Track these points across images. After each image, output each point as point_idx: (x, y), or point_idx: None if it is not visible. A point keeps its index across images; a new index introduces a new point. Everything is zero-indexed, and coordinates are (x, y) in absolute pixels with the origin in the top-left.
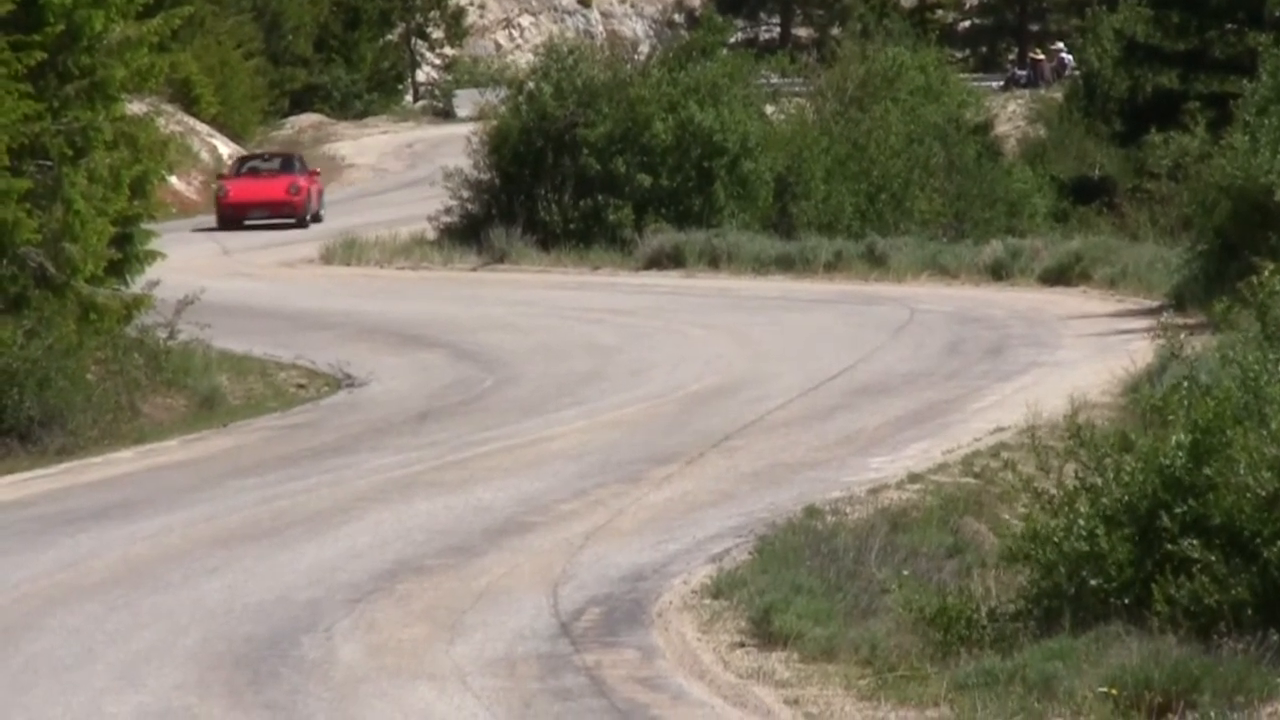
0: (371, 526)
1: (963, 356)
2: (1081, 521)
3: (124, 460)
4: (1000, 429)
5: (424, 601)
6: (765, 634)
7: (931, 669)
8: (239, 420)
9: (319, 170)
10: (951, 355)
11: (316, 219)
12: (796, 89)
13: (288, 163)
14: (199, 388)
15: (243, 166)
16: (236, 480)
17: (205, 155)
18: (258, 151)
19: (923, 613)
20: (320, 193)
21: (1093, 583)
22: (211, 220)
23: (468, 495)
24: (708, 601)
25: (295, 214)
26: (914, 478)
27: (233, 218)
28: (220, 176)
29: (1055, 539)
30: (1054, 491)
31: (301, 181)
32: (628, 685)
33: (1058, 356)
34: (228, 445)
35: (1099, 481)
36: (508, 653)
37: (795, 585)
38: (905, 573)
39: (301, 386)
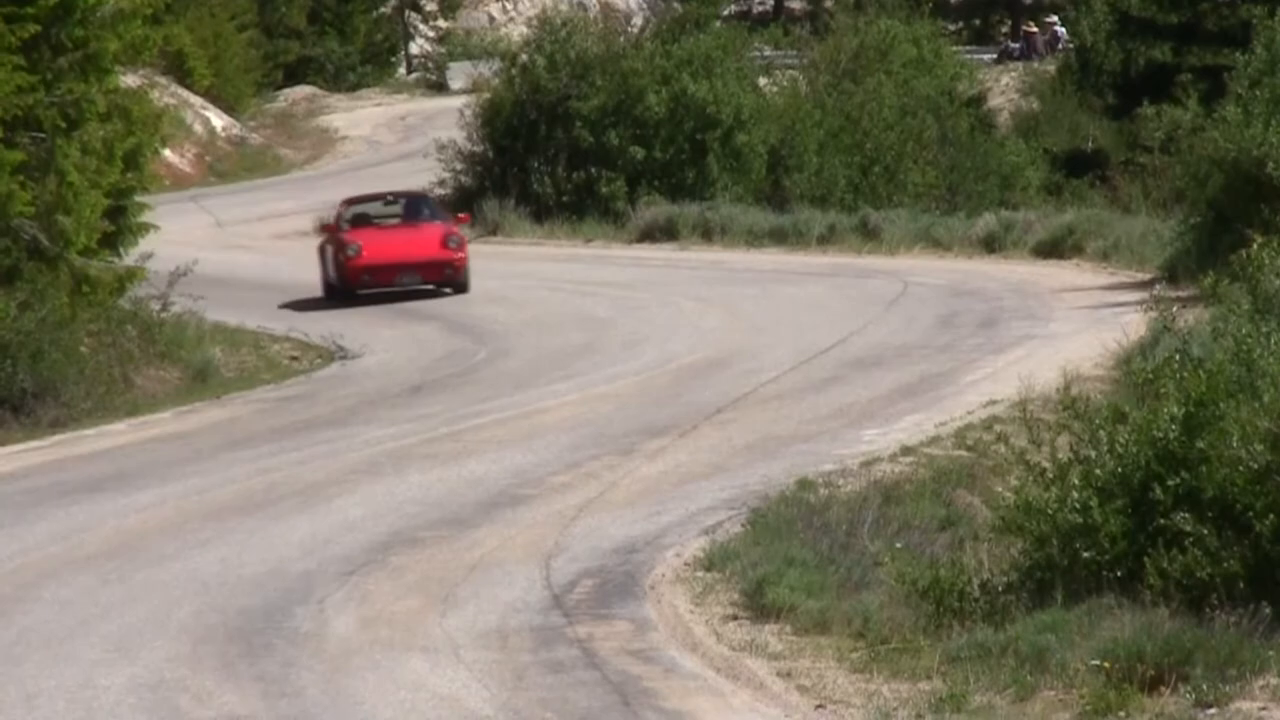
0: (364, 499)
1: (955, 329)
2: (1074, 494)
3: (117, 432)
4: (993, 402)
5: (417, 574)
6: (758, 606)
7: (924, 641)
8: (232, 392)
9: (463, 215)
10: (944, 328)
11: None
12: (790, 61)
13: (416, 205)
14: (192, 360)
15: (352, 211)
16: (230, 453)
17: (199, 128)
18: (370, 194)
19: (915, 585)
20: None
21: (1085, 555)
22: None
23: (461, 468)
24: (700, 574)
25: (457, 277)
26: (906, 450)
27: (370, 284)
28: (327, 229)
29: (1048, 511)
30: (1047, 464)
31: (455, 230)
32: (620, 657)
33: (1050, 329)
34: (221, 417)
35: (1092, 454)
36: (500, 625)
37: (788, 558)
38: (898, 545)
39: (295, 359)
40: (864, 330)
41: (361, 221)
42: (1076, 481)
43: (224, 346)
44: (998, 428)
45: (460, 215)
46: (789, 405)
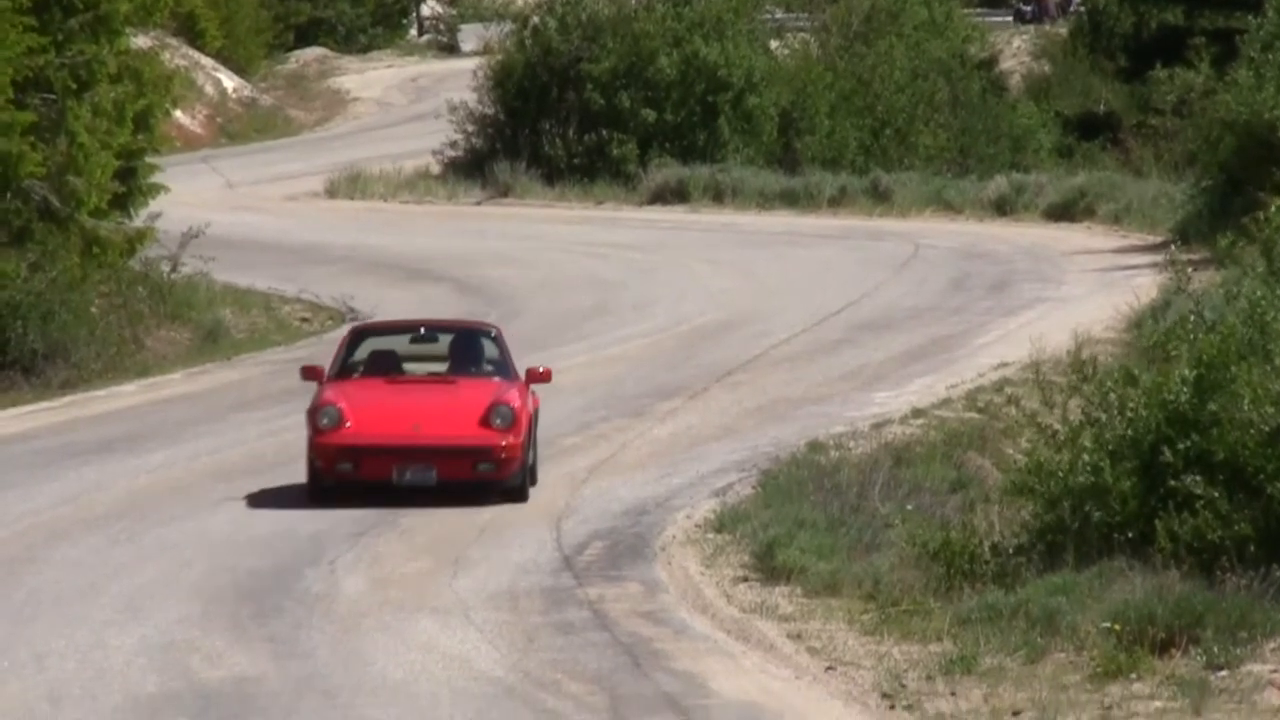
0: None
1: (967, 292)
2: (1085, 456)
3: (127, 393)
4: (1004, 364)
5: (427, 535)
6: (768, 568)
7: (934, 603)
8: (243, 354)
9: (543, 368)
10: (955, 291)
11: (531, 477)
12: (801, 24)
13: (468, 345)
14: (203, 321)
15: (360, 348)
16: (240, 414)
17: (209, 89)
18: (395, 323)
19: (926, 547)
20: (535, 418)
21: (1096, 517)
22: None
23: None
24: (711, 536)
25: (500, 475)
26: (917, 413)
27: (351, 477)
28: (310, 373)
29: (1059, 473)
30: (1058, 426)
31: (512, 397)
32: (630, 619)
33: (1062, 292)
34: (232, 379)
35: (1103, 416)
36: (511, 586)
37: (798, 520)
38: (908, 508)
39: (305, 320)
40: (875, 292)
41: (371, 368)
42: (1087, 444)
43: (234, 308)
44: (1009, 390)
45: (541, 368)
46: (800, 367)
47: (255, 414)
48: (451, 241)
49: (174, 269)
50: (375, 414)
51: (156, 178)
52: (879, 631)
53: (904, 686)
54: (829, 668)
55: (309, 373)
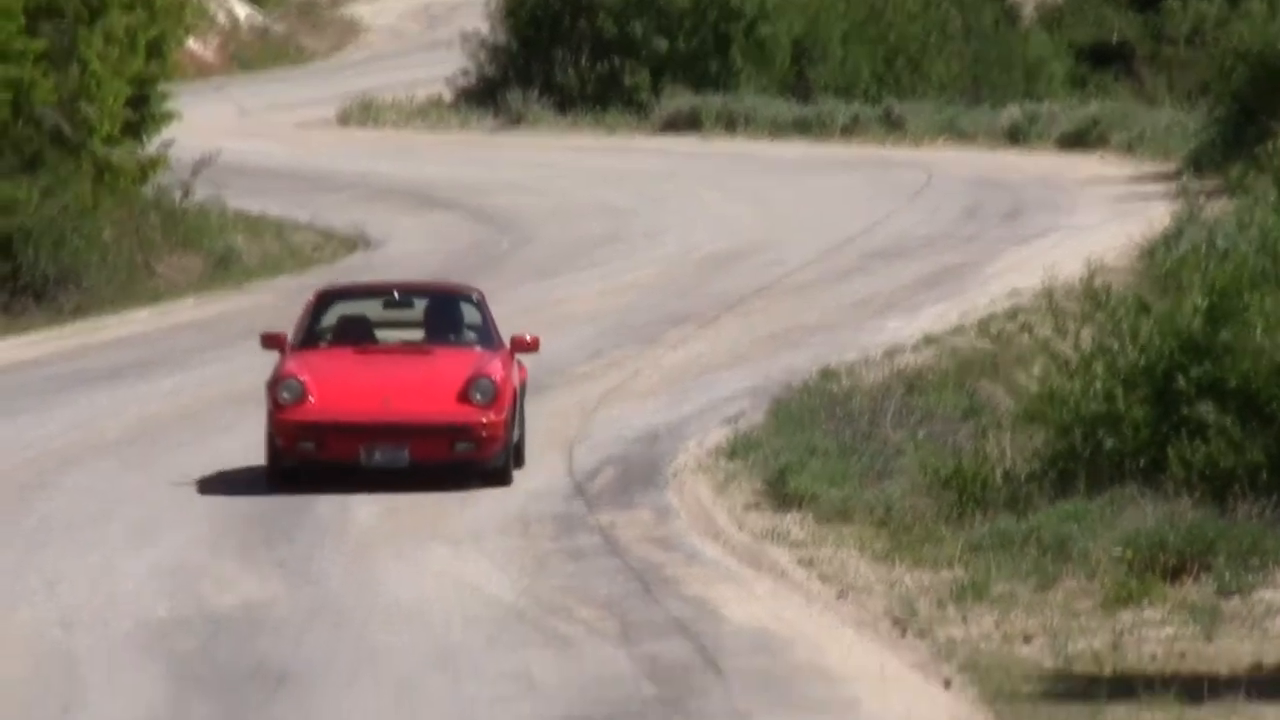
0: None
1: (979, 221)
2: (1098, 384)
3: (139, 320)
4: (1016, 292)
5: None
6: (780, 495)
7: (946, 530)
8: (254, 281)
9: (529, 336)
10: (968, 219)
11: (517, 457)
12: None
13: (445, 311)
14: (215, 248)
15: (327, 310)
16: (252, 341)
17: (222, 17)
18: (366, 285)
19: (938, 475)
20: (522, 389)
21: (1108, 445)
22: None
23: None
24: (722, 463)
25: (482, 454)
26: (930, 340)
27: (312, 456)
28: (271, 341)
29: (1071, 401)
30: (1070, 354)
31: (494, 369)
32: (642, 545)
33: (1074, 221)
34: (243, 306)
35: (1115, 344)
36: (522, 513)
37: (810, 447)
38: (920, 435)
39: (317, 248)
40: (887, 221)
41: (339, 335)
42: (1100, 371)
43: (246, 235)
44: (1021, 318)
45: (529, 336)
46: (812, 295)
47: None
48: (463, 170)
49: (186, 196)
50: (342, 388)
51: (169, 105)
52: (890, 558)
53: (915, 613)
54: (840, 594)
55: (269, 341)
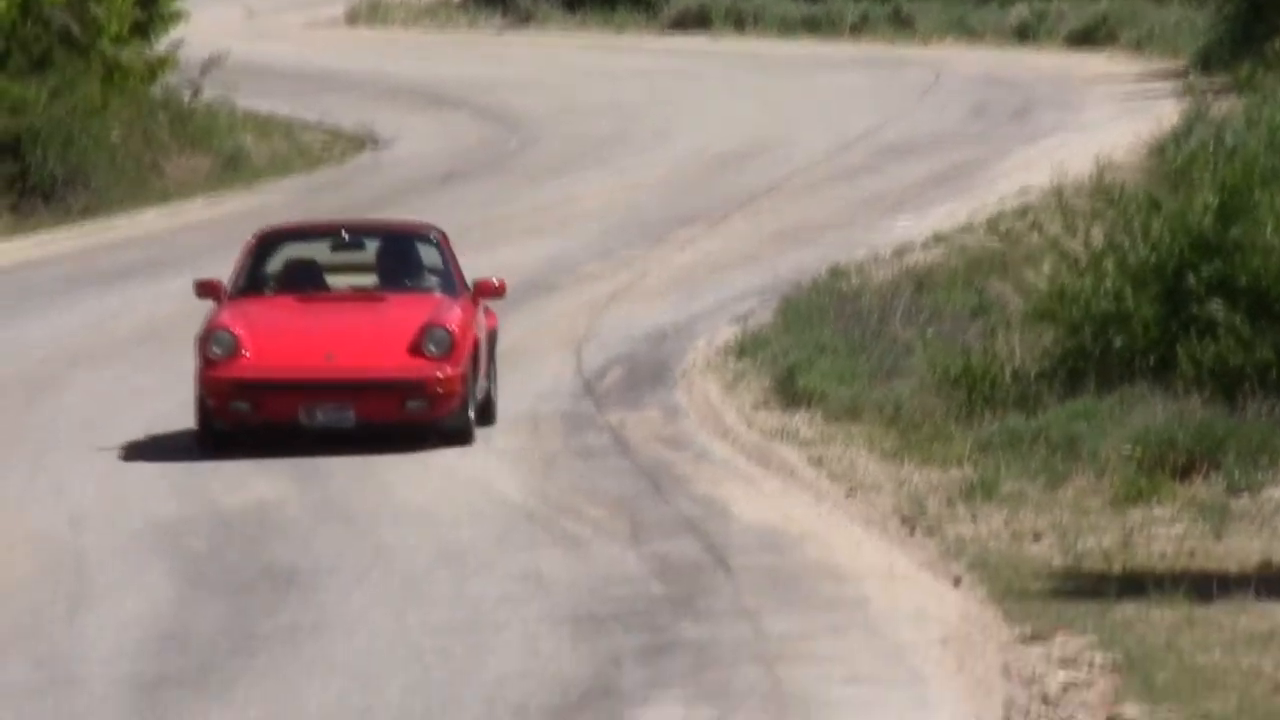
0: None
1: (988, 119)
2: (1107, 281)
3: (148, 220)
4: (1026, 190)
5: None
6: (789, 393)
7: (955, 429)
8: (264, 181)
9: (496, 280)
10: (977, 118)
11: (487, 415)
12: None
13: (401, 253)
14: (224, 148)
15: (269, 254)
16: None
17: None
18: (322, 223)
19: (947, 373)
20: (490, 340)
21: (1118, 343)
22: None
23: (493, 256)
24: (731, 361)
25: (436, 413)
26: (939, 238)
27: (248, 419)
28: (206, 290)
29: (1081, 299)
30: (1080, 252)
31: (452, 317)
32: (650, 444)
33: (1083, 119)
34: (253, 205)
35: (1125, 242)
36: (531, 412)
37: (819, 345)
38: (929, 333)
39: (326, 147)
40: (896, 119)
41: (282, 283)
42: (1109, 269)
43: (255, 135)
44: (1030, 216)
45: (495, 280)
46: (821, 194)
47: None
48: (472, 69)
49: (194, 96)
50: (279, 341)
51: (177, 5)
52: (899, 456)
53: (924, 511)
54: (849, 493)
55: (204, 289)
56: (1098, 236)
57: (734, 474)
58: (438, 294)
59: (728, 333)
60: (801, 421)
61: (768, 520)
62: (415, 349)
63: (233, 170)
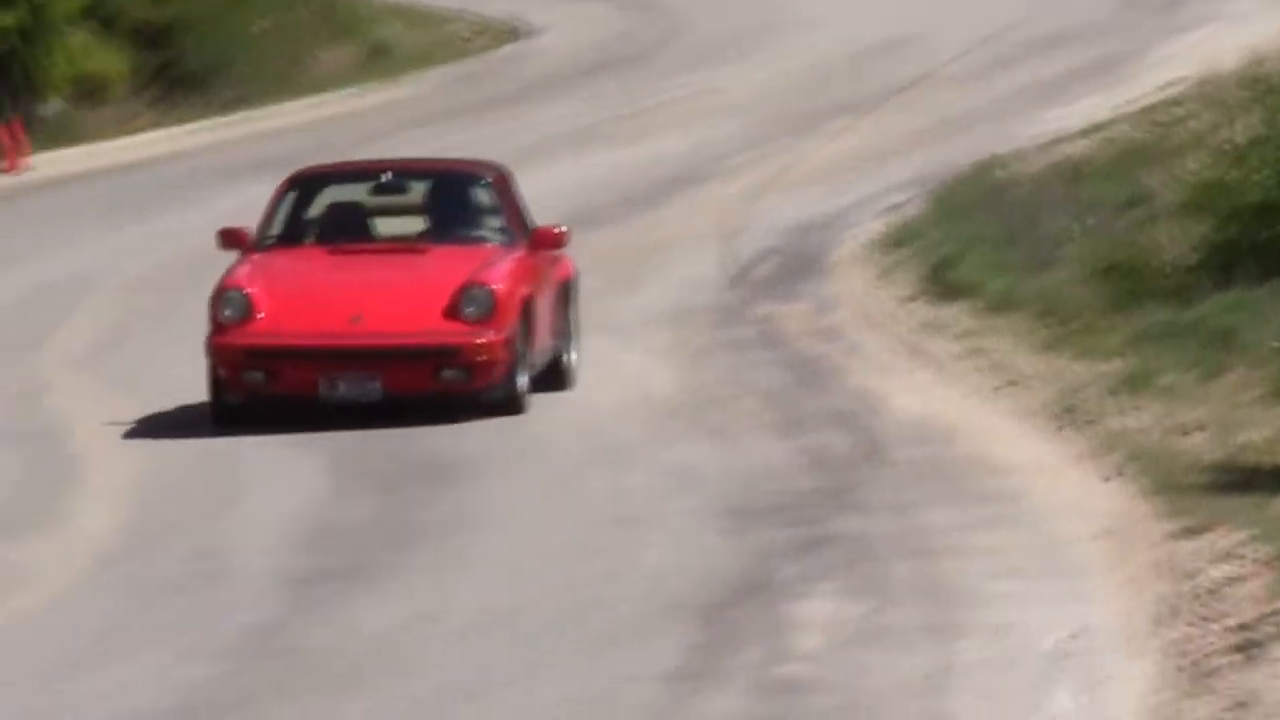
0: (544, 178)
1: (1139, 9)
2: (1259, 173)
3: (291, 112)
4: (1177, 81)
5: (598, 253)
6: (941, 286)
7: (1108, 322)
8: (409, 72)
9: (557, 229)
10: (1128, 8)
11: (560, 378)
12: None
13: (451, 195)
14: (369, 39)
15: (303, 199)
16: (406, 132)
17: None
18: (363, 164)
19: (1100, 265)
20: (562, 293)
21: (1270, 235)
22: None
23: (640, 148)
24: (882, 254)
25: (481, 382)
26: (1090, 130)
27: (260, 389)
28: (231, 239)
29: (1233, 190)
30: (1231, 143)
31: (497, 273)
32: (802, 336)
33: (1235, 9)
34: (397, 97)
35: (1276, 134)
36: (681, 304)
37: (971, 237)
38: (1082, 225)
39: (473, 37)
40: (1046, 11)
41: (316, 233)
42: (1259, 162)
43: (400, 25)
44: (1182, 107)
45: (556, 229)
46: (971, 85)
47: (420, 132)
48: None
49: None
50: (299, 301)
51: None
52: (1054, 348)
53: (1078, 405)
54: (1002, 386)
55: (229, 238)
56: (1248, 127)
57: (886, 367)
58: (491, 245)
59: (879, 225)
60: (954, 314)
61: (920, 413)
62: (451, 311)
63: (378, 61)
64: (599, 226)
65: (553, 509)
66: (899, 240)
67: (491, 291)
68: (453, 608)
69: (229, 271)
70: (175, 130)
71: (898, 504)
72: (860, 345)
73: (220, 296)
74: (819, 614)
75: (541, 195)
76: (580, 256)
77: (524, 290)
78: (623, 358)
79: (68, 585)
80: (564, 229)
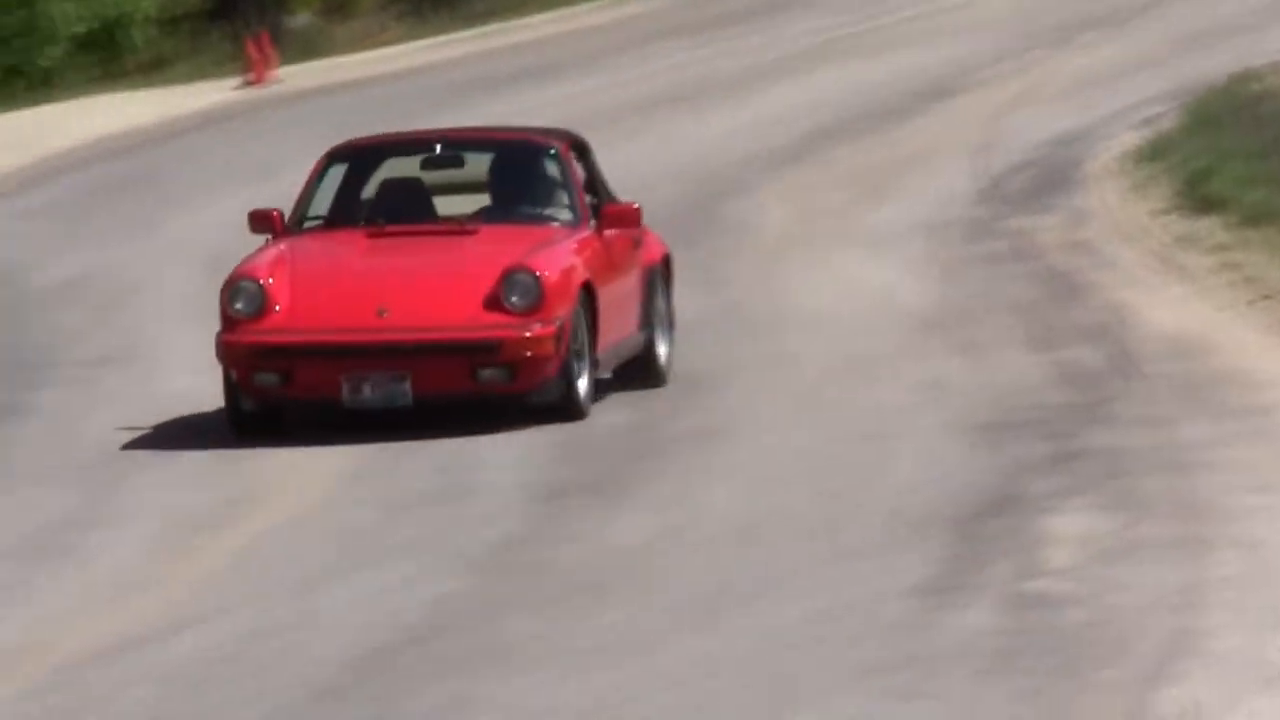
0: (790, 92)
1: None
2: None
3: (541, 24)
4: None
5: (847, 166)
6: (1195, 199)
7: None
8: None
9: (631, 204)
10: None
11: (651, 374)
12: None
13: (512, 169)
14: None
15: (348, 176)
16: (654, 44)
17: None
18: (411, 136)
19: None
20: (648, 278)
21: None
22: None
23: (886, 61)
24: (1135, 167)
25: (526, 383)
26: None
27: (273, 391)
28: (262, 222)
29: None
30: None
31: (548, 258)
32: (1054, 250)
33: None
34: (645, 9)
35: None
36: (932, 218)
37: (1226, 150)
38: None
39: None
40: None
41: (362, 214)
42: None
43: None
44: None
45: (627, 205)
46: None
47: (668, 43)
48: None
49: None
50: (321, 293)
51: None
52: None
53: None
54: (1256, 300)
55: (259, 221)
56: None
57: (1138, 281)
58: (553, 226)
59: (1132, 137)
60: (1208, 227)
61: (1174, 327)
62: (493, 301)
63: None
64: (848, 140)
65: (803, 421)
66: (1152, 154)
67: (538, 278)
68: (700, 520)
69: (247, 258)
70: (429, 41)
71: (1150, 419)
72: (1113, 259)
73: (231, 287)
74: (1070, 529)
75: (788, 111)
76: (829, 170)
77: (584, 276)
78: (873, 270)
79: (314, 501)
80: (635, 205)
